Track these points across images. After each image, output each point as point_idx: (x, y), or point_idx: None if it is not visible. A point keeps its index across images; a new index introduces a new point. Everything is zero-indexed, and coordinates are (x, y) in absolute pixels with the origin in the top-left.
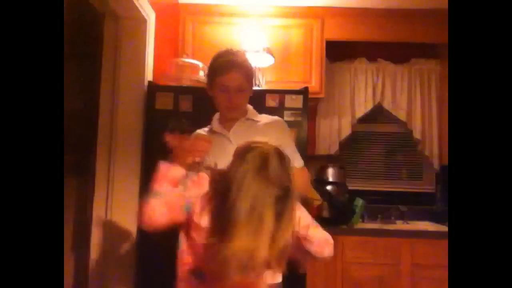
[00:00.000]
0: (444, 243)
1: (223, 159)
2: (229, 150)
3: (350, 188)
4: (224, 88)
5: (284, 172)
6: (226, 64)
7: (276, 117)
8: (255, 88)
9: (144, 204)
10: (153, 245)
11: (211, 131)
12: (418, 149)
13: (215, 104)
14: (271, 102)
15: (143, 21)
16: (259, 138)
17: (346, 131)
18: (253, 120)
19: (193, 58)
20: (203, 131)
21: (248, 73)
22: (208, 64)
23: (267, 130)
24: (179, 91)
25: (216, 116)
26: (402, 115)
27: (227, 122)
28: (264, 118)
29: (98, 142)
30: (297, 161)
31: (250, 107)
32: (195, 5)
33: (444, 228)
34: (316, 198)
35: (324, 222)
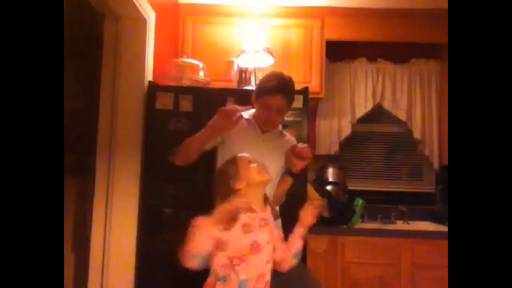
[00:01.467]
0: (444, 243)
1: (251, 148)
2: (259, 145)
3: (350, 188)
4: (266, 106)
5: None
6: (274, 87)
7: (292, 137)
8: (254, 88)
9: None
10: (153, 245)
11: (250, 121)
12: (418, 149)
13: (256, 113)
14: None
15: (143, 21)
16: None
17: (346, 131)
18: (282, 132)
19: (193, 58)
20: (247, 114)
21: (290, 98)
22: (260, 80)
23: (286, 144)
24: (179, 91)
25: (252, 111)
26: (402, 115)
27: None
28: (287, 135)
29: (98, 142)
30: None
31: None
32: (195, 5)
33: (444, 228)
34: (316, 198)
35: (324, 222)
